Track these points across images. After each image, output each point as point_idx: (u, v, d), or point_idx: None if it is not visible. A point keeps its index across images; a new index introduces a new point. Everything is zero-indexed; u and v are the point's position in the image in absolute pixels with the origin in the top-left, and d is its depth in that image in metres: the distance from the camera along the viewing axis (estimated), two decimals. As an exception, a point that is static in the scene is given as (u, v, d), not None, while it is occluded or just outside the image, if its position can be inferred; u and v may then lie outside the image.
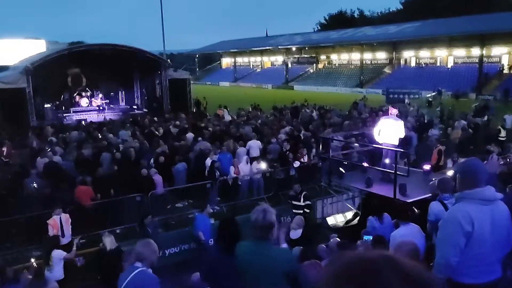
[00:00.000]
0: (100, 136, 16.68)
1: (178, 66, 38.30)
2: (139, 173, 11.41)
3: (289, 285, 3.14)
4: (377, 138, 9.40)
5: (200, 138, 15.31)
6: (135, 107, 29.13)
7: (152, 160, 12.74)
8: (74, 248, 7.68)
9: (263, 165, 13.20)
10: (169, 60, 29.59)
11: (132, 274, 3.75)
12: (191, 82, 30.05)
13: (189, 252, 9.50)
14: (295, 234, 7.75)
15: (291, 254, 3.57)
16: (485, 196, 3.01)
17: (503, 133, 17.28)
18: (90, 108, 26.89)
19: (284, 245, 3.68)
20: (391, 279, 0.70)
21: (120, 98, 29.65)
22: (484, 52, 43.79)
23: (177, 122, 19.69)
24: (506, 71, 43.99)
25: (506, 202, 3.09)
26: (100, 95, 27.60)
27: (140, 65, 27.11)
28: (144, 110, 28.03)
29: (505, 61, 44.87)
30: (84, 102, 26.90)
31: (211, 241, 8.82)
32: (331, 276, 0.75)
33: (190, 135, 16.09)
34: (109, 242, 7.25)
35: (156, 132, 17.13)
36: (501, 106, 29.43)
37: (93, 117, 25.11)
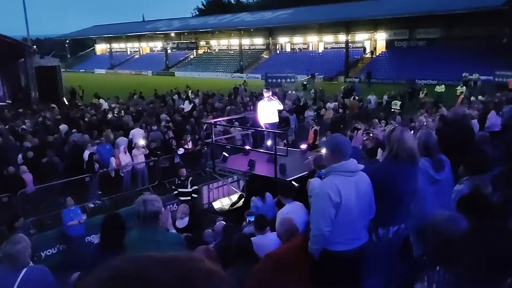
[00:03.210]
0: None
1: (47, 53, 34.80)
2: (5, 171, 10.29)
3: None
4: (261, 121, 9.76)
5: (74, 130, 14.32)
6: (-4, 98, 26.06)
7: (20, 157, 11.60)
8: None
9: (141, 142, 12.85)
10: (34, 46, 26.87)
11: (22, 274, 3.37)
12: (62, 70, 27.83)
13: (67, 252, 8.97)
14: (182, 223, 7.70)
15: (178, 237, 3.59)
16: (349, 168, 3.30)
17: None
18: None
19: (172, 230, 3.67)
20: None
21: (-23, 89, 26.28)
22: (349, 38, 47.57)
23: (47, 114, 18.15)
24: (368, 55, 48.51)
25: (368, 172, 3.42)
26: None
27: (0, 51, 24.17)
28: (8, 101, 25.24)
29: (367, 47, 49.35)
30: None
31: (92, 237, 8.34)
32: None
33: (63, 127, 14.94)
34: None
35: (23, 126, 15.60)
36: (365, 87, 32.44)
37: None
